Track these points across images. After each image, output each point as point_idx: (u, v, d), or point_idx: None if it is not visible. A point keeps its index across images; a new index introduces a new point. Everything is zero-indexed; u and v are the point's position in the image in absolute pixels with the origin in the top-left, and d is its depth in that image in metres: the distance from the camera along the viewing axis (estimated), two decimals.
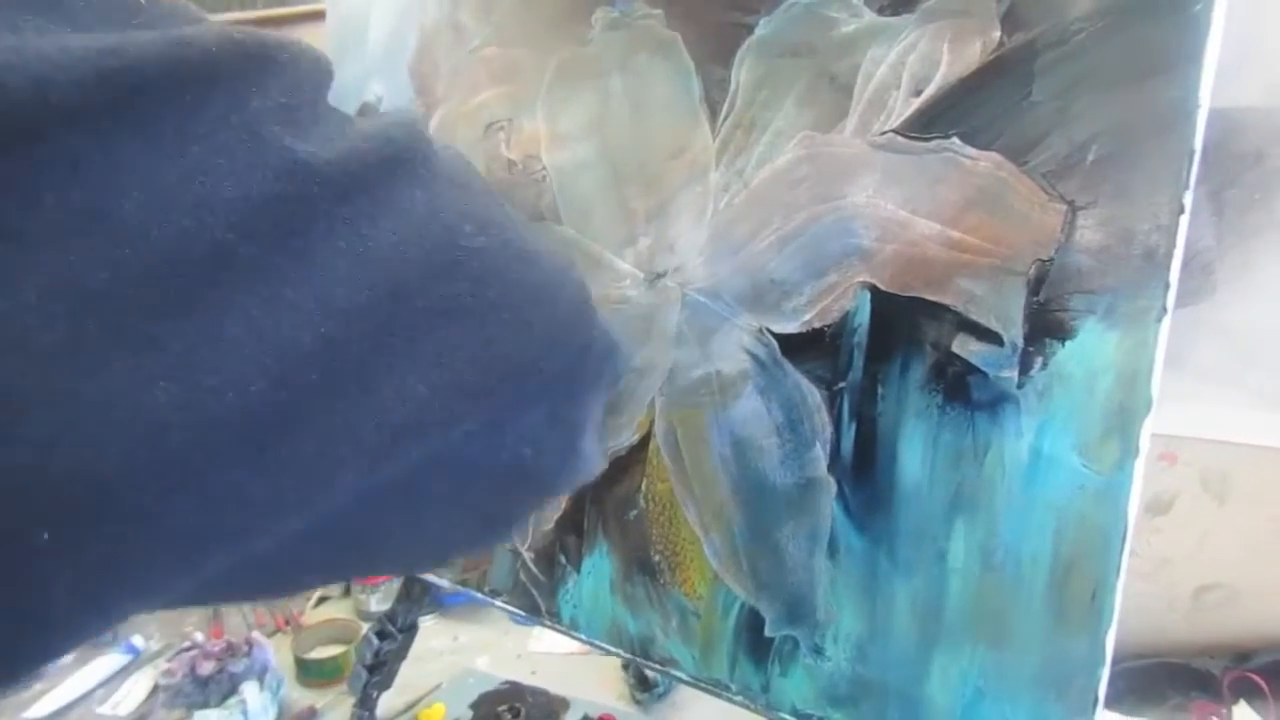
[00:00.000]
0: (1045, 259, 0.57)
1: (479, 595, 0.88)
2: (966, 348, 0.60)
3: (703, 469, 0.72)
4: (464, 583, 0.89)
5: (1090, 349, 0.56)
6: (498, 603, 0.86)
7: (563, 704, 1.08)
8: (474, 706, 1.08)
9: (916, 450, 0.62)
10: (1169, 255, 0.54)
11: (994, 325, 0.59)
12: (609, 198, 0.76)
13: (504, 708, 1.08)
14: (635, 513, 0.76)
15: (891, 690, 0.64)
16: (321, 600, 1.38)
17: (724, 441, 0.70)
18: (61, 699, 1.22)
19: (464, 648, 1.21)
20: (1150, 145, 0.54)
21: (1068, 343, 0.57)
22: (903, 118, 0.62)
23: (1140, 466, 0.55)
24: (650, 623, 0.76)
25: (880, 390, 0.64)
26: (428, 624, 1.25)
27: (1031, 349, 0.58)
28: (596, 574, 0.79)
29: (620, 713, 1.04)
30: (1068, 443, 0.57)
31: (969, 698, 0.61)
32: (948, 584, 0.62)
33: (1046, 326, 0.57)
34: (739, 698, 0.71)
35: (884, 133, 0.63)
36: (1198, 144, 0.53)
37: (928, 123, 0.61)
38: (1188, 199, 0.53)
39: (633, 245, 0.75)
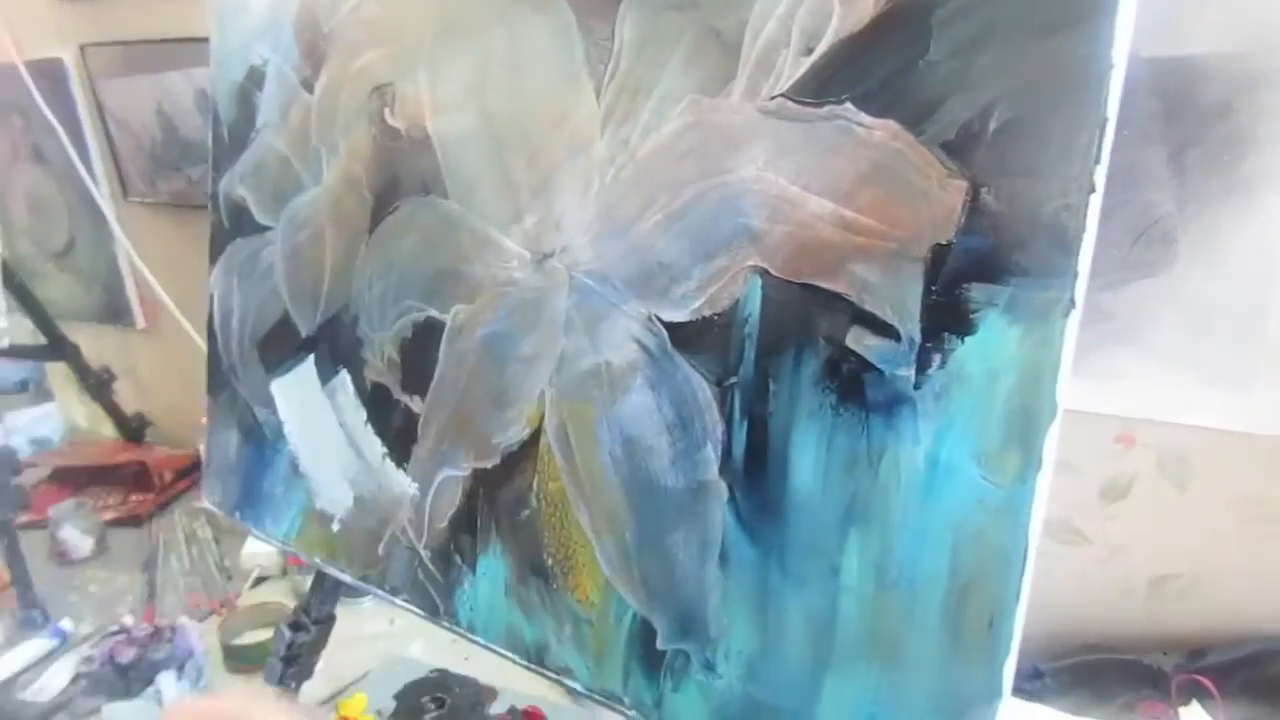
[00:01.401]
0: (944, 242, 0.50)
1: (379, 592, 0.83)
2: (861, 342, 0.54)
3: (593, 468, 0.66)
4: (365, 578, 0.84)
5: (992, 346, 0.49)
6: (398, 601, 0.81)
7: (490, 694, 1.04)
8: (398, 696, 1.05)
9: (809, 454, 0.56)
10: (1078, 239, 0.47)
11: (889, 317, 0.53)
12: (493, 171, 0.70)
13: (428, 698, 1.04)
14: (527, 512, 0.70)
15: (784, 713, 0.59)
16: (260, 581, 1.34)
17: (614, 439, 0.64)
18: None
19: (399, 632, 1.17)
20: (1058, 111, 0.47)
21: (967, 339, 0.50)
22: (793, 80, 0.55)
23: (1044, 480, 0.49)
24: (545, 629, 0.70)
25: (772, 387, 0.57)
26: (366, 606, 1.21)
27: (929, 345, 0.52)
28: (491, 576, 0.73)
29: (549, 704, 1.00)
30: (967, 451, 0.51)
31: None
32: (840, 601, 0.56)
33: (945, 320, 0.51)
34: (632, 712, 0.66)
35: (773, 97, 0.56)
36: (1111, 110, 0.46)
37: (820, 85, 0.54)
38: (1099, 175, 0.46)
39: (519, 223, 0.68)
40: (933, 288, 0.51)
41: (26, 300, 1.61)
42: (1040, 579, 0.50)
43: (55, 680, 1.15)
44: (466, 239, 0.71)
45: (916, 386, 0.52)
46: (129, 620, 1.22)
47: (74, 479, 1.69)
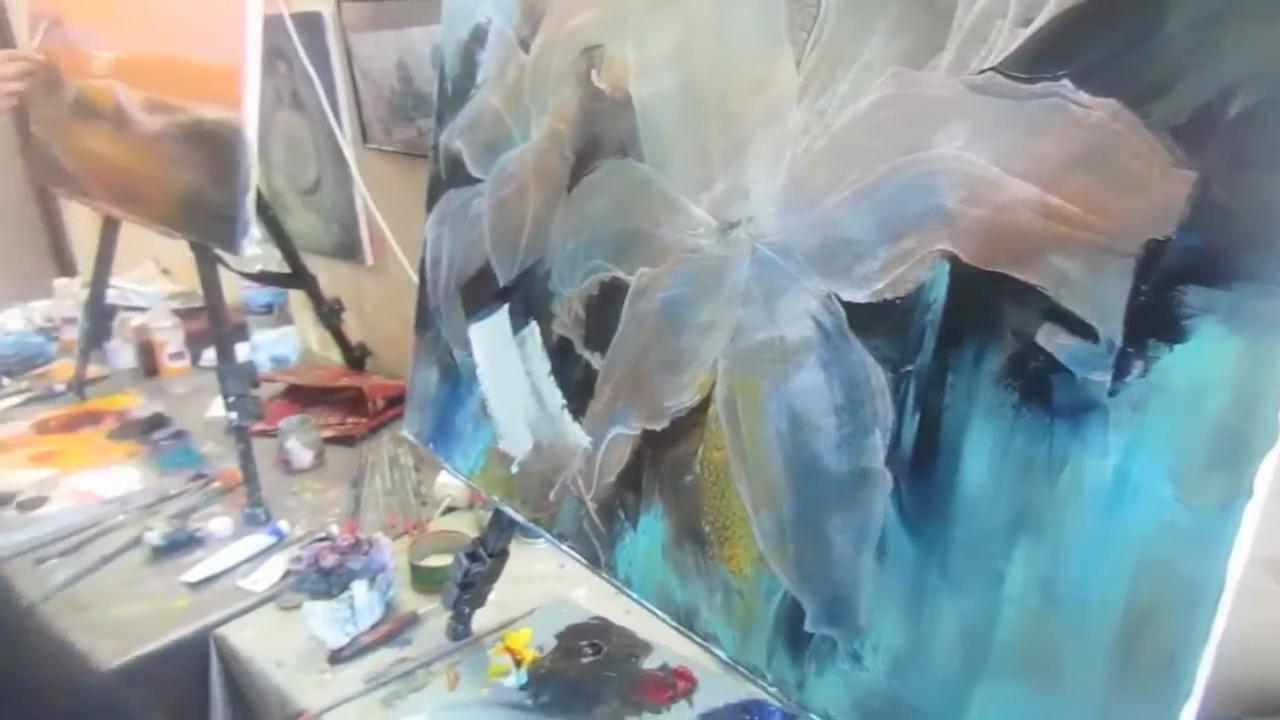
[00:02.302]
0: (1160, 238, 0.46)
1: (548, 536, 0.86)
2: (1053, 340, 0.50)
3: (758, 441, 0.65)
4: (536, 521, 0.88)
5: (1204, 357, 0.45)
6: (563, 546, 0.85)
7: (645, 648, 1.07)
8: (559, 636, 1.09)
9: (983, 454, 0.53)
10: None
11: (1088, 316, 0.49)
12: (689, 135, 0.70)
13: (587, 643, 1.08)
14: (690, 478, 0.71)
15: (927, 716, 0.57)
16: (449, 510, 1.44)
17: (782, 415, 0.64)
18: (214, 568, 1.35)
19: (567, 575, 1.22)
20: None
21: (1176, 347, 0.46)
22: (1006, 52, 0.51)
23: (1253, 512, 0.44)
24: (696, 594, 0.71)
25: (950, 379, 0.55)
26: (539, 547, 1.27)
27: (1131, 350, 0.47)
28: (650, 535, 0.75)
29: (700, 668, 1.01)
30: (1161, 469, 0.46)
31: None
32: (1001, 611, 0.53)
33: (1152, 324, 0.46)
34: (774, 689, 0.66)
35: (983, 71, 0.52)
36: None
37: (1035, 59, 0.50)
38: None
39: (708, 190, 0.68)
40: (1142, 287, 0.47)
41: (277, 231, 1.78)
42: (1253, 623, 0.45)
43: (269, 574, 1.29)
44: (656, 203, 0.72)
45: (1111, 394, 0.48)
46: (334, 529, 1.35)
47: (302, 397, 1.87)
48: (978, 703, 0.54)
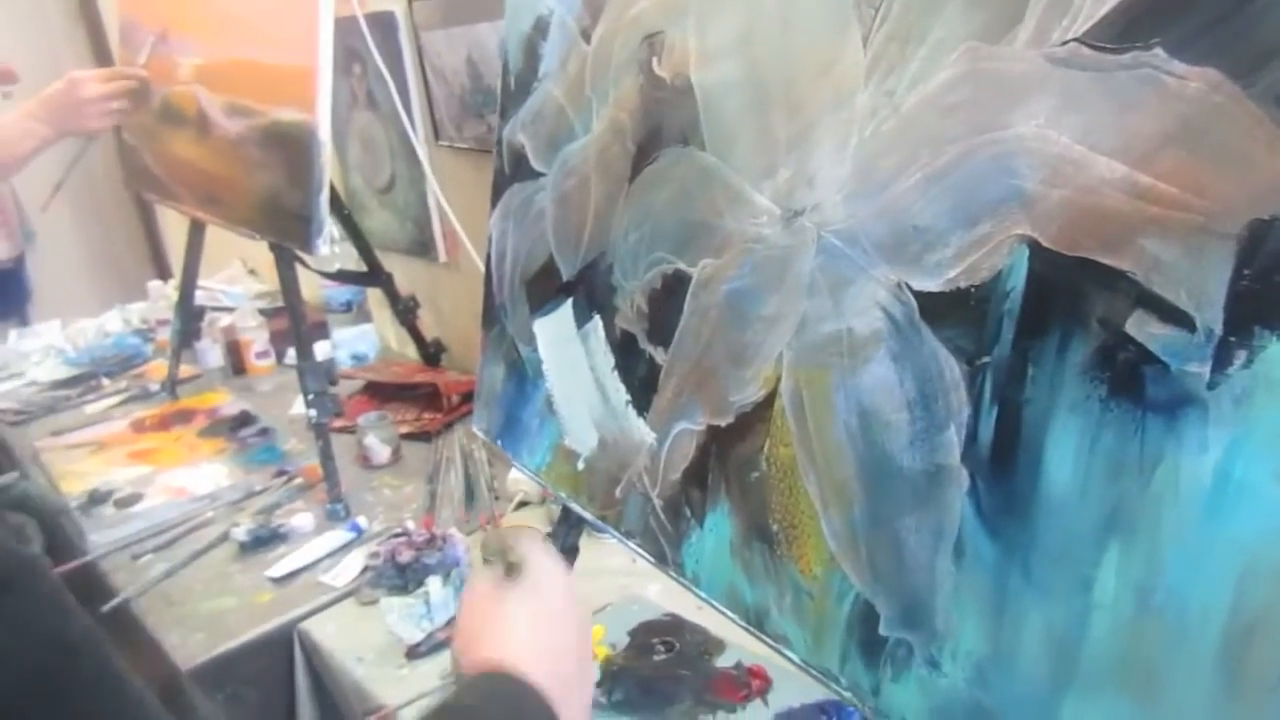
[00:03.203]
0: (1267, 218, 0.42)
1: (614, 533, 0.85)
2: (1144, 329, 0.47)
3: (826, 438, 0.63)
4: (603, 518, 0.87)
5: None
6: (630, 544, 0.83)
7: (719, 645, 1.05)
8: (632, 633, 1.08)
9: (1068, 451, 0.50)
10: None
11: (1184, 303, 0.45)
12: (752, 122, 0.67)
13: (659, 640, 1.07)
14: (756, 475, 0.69)
15: None
16: (521, 505, 1.45)
17: (850, 410, 0.61)
18: (296, 563, 1.38)
19: (639, 571, 1.21)
20: None
21: None
22: (1092, 20, 0.48)
23: None
24: (765, 594, 0.69)
25: (1031, 371, 0.51)
26: (611, 543, 1.26)
27: (1233, 339, 0.43)
28: (718, 533, 0.73)
29: (775, 667, 0.99)
30: (1269, 468, 0.42)
31: None
32: (1091, 620, 0.49)
33: (1257, 310, 0.42)
34: (848, 694, 0.63)
35: (1066, 42, 0.49)
36: None
37: (1125, 27, 0.47)
38: None
39: (772, 178, 0.66)
40: (1245, 271, 0.43)
41: (353, 230, 1.82)
42: None
43: (349, 569, 1.32)
44: (719, 192, 0.70)
45: (1211, 387, 0.44)
46: (410, 525, 1.37)
47: (380, 393, 1.91)
48: (1068, 714, 0.51)
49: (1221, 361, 0.44)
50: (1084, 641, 0.50)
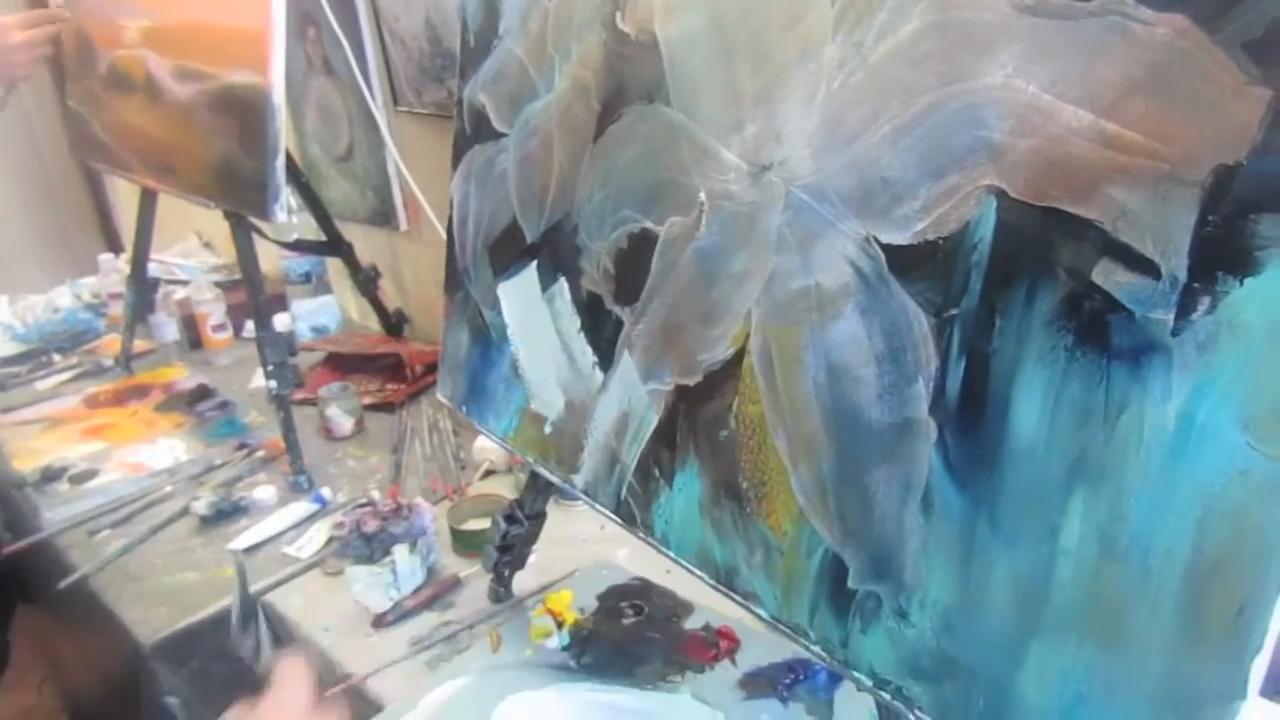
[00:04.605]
0: (1231, 164, 0.42)
1: (583, 496, 0.85)
2: (1111, 278, 0.47)
3: (795, 394, 0.63)
4: (571, 482, 0.87)
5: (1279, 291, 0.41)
6: (598, 507, 0.83)
7: (687, 608, 1.05)
8: (601, 598, 1.09)
9: (1035, 400, 0.50)
10: None
11: (1149, 251, 0.45)
12: (718, 76, 0.67)
13: (628, 604, 1.07)
14: (726, 433, 0.69)
15: (980, 674, 0.54)
16: (488, 474, 1.44)
17: (819, 366, 0.61)
18: (259, 535, 1.36)
19: (608, 538, 1.21)
20: None
21: (1248, 280, 0.42)
22: None
23: None
24: (735, 552, 0.69)
25: (998, 323, 0.52)
26: (579, 509, 1.26)
27: (1197, 285, 0.44)
28: (687, 493, 0.73)
29: (744, 628, 1.00)
30: (1230, 413, 0.43)
31: (1068, 701, 0.50)
32: (1056, 566, 0.50)
33: (1221, 257, 0.43)
34: (817, 647, 0.64)
35: None
36: None
37: None
38: None
39: (739, 133, 0.65)
40: (1209, 217, 0.43)
41: (311, 199, 1.78)
42: None
43: (314, 540, 1.30)
44: (686, 149, 0.69)
45: (1175, 333, 0.45)
46: (376, 495, 1.36)
47: (342, 365, 1.88)
48: (1034, 660, 0.51)
49: (1186, 308, 0.44)
50: (1050, 588, 0.51)
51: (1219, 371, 0.43)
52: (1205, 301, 0.43)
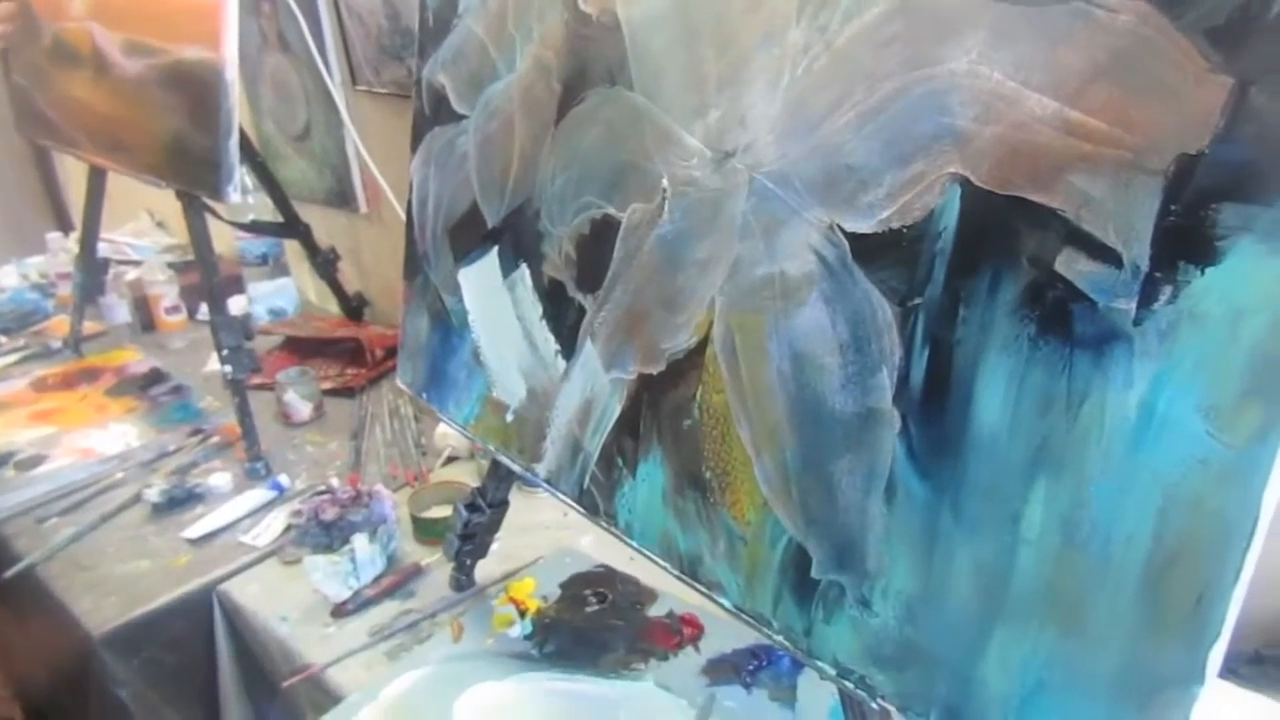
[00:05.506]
0: (1193, 152, 0.42)
1: (545, 485, 0.84)
2: (1073, 267, 0.47)
3: (758, 383, 0.62)
4: (533, 470, 0.86)
5: (1240, 280, 0.41)
6: (561, 496, 0.82)
7: (651, 595, 1.05)
8: (564, 585, 1.08)
9: (998, 389, 0.50)
10: None
11: (1111, 239, 0.45)
12: (682, 59, 0.65)
13: (591, 591, 1.07)
14: (689, 423, 0.68)
15: (942, 661, 0.54)
16: (450, 460, 1.42)
17: (783, 354, 0.61)
18: (214, 524, 1.34)
19: (572, 524, 1.21)
20: None
21: (1209, 270, 0.42)
22: None
23: None
24: (699, 542, 0.69)
25: (962, 311, 0.51)
26: (543, 497, 1.25)
27: (1159, 274, 0.44)
28: (650, 482, 0.72)
29: (707, 614, 1.00)
30: (1191, 401, 0.43)
31: (1030, 687, 0.51)
32: (1018, 554, 0.50)
33: (1182, 246, 0.43)
34: (779, 637, 0.64)
35: None
36: None
37: None
38: None
39: (703, 117, 0.64)
40: (1171, 206, 0.43)
41: (267, 179, 1.74)
42: (1271, 552, 0.43)
43: (271, 528, 1.28)
44: (649, 134, 0.68)
45: (1137, 322, 0.45)
46: (335, 482, 1.33)
47: (300, 349, 1.85)
48: (996, 647, 0.52)
49: (1147, 297, 0.44)
50: (1011, 576, 0.51)
51: (1180, 360, 0.43)
52: (1167, 291, 0.43)
